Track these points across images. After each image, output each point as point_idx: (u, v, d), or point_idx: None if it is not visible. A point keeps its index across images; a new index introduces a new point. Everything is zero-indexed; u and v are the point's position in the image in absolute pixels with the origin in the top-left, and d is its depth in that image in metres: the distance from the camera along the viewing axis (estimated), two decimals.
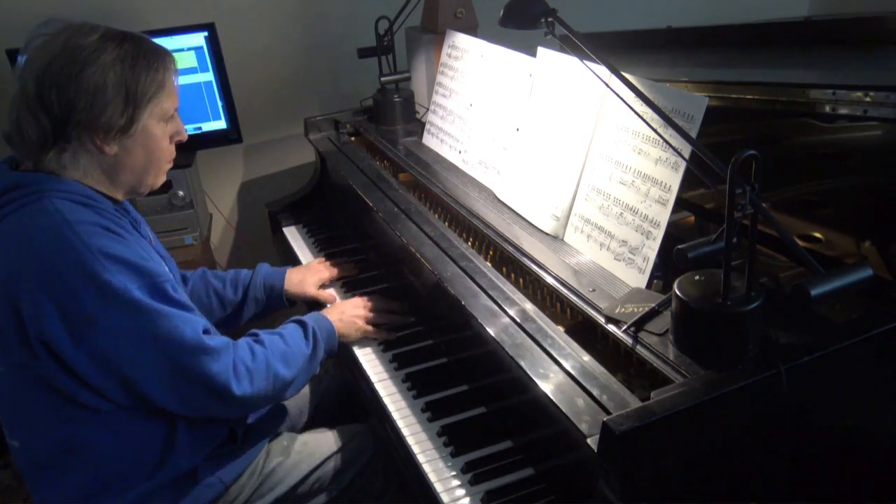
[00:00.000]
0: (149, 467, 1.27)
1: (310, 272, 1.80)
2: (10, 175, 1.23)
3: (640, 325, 1.12)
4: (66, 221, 1.15)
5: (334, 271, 1.84)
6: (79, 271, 1.13)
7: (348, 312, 1.58)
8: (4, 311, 1.16)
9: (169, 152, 1.33)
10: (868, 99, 1.18)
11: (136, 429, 1.26)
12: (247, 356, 1.30)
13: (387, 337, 1.58)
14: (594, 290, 1.25)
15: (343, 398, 1.73)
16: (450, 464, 1.24)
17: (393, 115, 2.20)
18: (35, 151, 1.21)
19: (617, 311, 1.17)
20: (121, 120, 1.21)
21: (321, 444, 1.48)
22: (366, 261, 1.92)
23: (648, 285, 1.23)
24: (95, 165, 1.24)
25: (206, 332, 1.25)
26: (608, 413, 0.99)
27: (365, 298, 1.64)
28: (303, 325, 1.46)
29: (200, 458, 1.33)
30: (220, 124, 2.41)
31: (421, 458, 1.25)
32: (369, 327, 1.58)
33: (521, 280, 1.41)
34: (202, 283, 1.68)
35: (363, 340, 1.60)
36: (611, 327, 1.15)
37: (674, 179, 1.21)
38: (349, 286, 1.82)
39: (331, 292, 1.78)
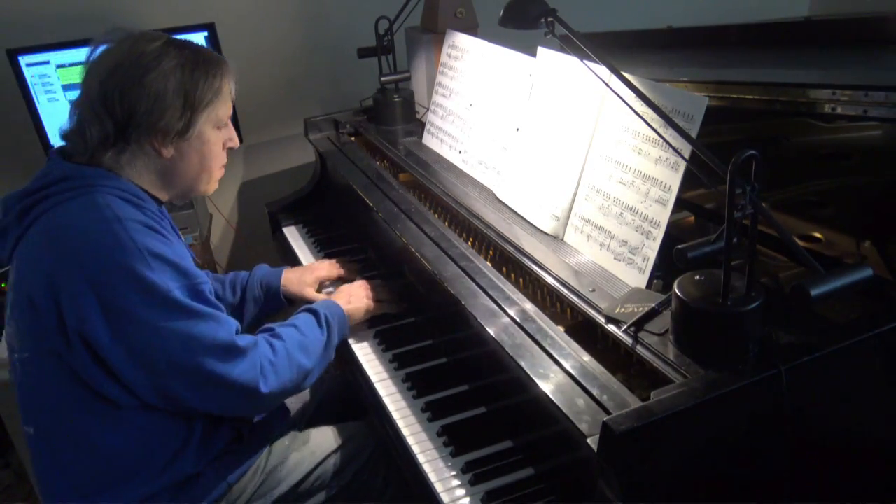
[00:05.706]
0: (156, 468, 1.28)
1: (307, 272, 1.80)
2: (65, 165, 1.26)
3: (640, 325, 1.12)
4: (116, 217, 1.19)
5: (333, 271, 1.83)
6: (124, 267, 1.16)
7: (355, 293, 1.62)
8: (45, 298, 1.18)
9: (221, 158, 1.39)
10: (868, 99, 1.17)
11: (152, 429, 1.28)
12: (267, 352, 1.32)
13: (394, 310, 1.65)
14: (594, 290, 1.25)
15: (345, 398, 1.74)
16: (450, 464, 1.24)
17: (393, 115, 2.20)
18: (94, 149, 1.26)
19: (617, 311, 1.17)
20: (178, 124, 1.26)
21: (322, 441, 1.50)
22: (366, 261, 1.92)
23: (648, 285, 1.23)
24: (151, 167, 1.30)
25: (237, 332, 1.28)
26: (608, 413, 1.00)
27: (364, 282, 1.68)
28: (315, 313, 1.49)
29: (206, 461, 1.34)
30: None
31: (421, 458, 1.25)
32: (375, 305, 1.63)
33: (521, 280, 1.41)
34: None
35: (362, 339, 1.60)
36: (611, 327, 1.15)
37: (674, 179, 1.21)
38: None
39: (329, 292, 1.78)
